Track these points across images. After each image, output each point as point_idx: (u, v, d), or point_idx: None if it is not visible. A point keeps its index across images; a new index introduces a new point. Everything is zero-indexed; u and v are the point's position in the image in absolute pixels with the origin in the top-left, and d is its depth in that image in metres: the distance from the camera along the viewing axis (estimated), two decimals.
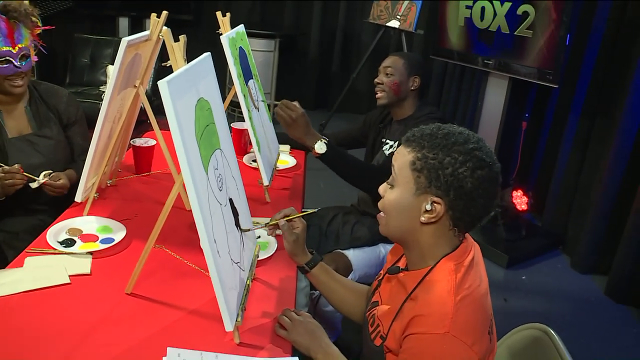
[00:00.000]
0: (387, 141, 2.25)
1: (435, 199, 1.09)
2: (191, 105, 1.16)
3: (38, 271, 1.47)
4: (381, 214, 1.20)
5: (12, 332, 1.24)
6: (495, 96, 3.71)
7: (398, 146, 1.18)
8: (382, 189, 1.20)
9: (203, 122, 1.22)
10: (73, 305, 1.36)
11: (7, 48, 1.86)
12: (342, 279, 1.51)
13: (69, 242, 1.61)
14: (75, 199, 1.74)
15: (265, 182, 1.99)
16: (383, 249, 2.19)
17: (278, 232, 1.43)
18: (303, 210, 1.33)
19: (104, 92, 5.18)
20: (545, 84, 3.28)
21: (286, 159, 2.48)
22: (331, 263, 2.00)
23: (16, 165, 1.81)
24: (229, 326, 1.18)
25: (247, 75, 2.04)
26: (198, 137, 1.15)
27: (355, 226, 2.23)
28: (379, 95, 2.22)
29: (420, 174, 1.09)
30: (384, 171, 2.14)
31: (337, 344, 1.29)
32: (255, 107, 2.08)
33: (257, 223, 1.80)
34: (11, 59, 1.87)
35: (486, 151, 1.09)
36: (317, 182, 4.03)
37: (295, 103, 1.94)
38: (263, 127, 2.14)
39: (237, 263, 1.30)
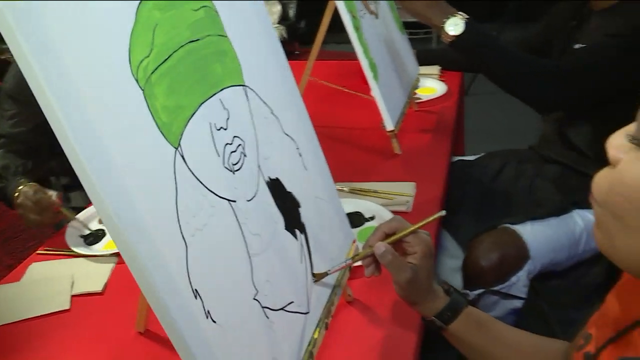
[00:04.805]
0: (579, 46, 1.39)
1: None
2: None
3: (35, 288, 1.00)
4: (596, 213, 0.49)
5: None
6: None
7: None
8: (615, 147, 0.48)
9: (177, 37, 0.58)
10: (69, 345, 0.88)
11: None
12: (507, 331, 0.77)
13: (96, 237, 1.13)
14: None
15: (389, 126, 1.32)
16: (579, 219, 1.34)
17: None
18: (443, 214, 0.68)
19: None
20: None
21: (432, 86, 1.75)
22: (493, 248, 1.27)
23: (54, 196, 1.16)
24: None
25: None
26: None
27: (536, 182, 1.44)
28: None
29: None
30: (567, 72, 1.27)
31: None
32: (371, 12, 1.39)
33: (368, 220, 1.13)
34: None
35: None
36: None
37: None
38: (385, 42, 1.44)
39: (285, 307, 0.68)
